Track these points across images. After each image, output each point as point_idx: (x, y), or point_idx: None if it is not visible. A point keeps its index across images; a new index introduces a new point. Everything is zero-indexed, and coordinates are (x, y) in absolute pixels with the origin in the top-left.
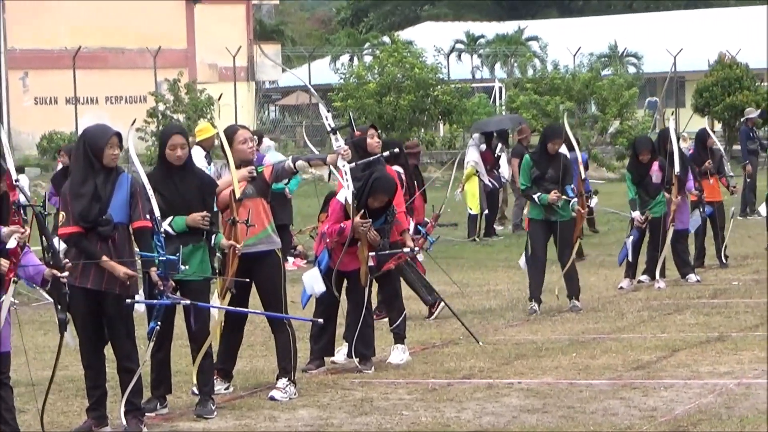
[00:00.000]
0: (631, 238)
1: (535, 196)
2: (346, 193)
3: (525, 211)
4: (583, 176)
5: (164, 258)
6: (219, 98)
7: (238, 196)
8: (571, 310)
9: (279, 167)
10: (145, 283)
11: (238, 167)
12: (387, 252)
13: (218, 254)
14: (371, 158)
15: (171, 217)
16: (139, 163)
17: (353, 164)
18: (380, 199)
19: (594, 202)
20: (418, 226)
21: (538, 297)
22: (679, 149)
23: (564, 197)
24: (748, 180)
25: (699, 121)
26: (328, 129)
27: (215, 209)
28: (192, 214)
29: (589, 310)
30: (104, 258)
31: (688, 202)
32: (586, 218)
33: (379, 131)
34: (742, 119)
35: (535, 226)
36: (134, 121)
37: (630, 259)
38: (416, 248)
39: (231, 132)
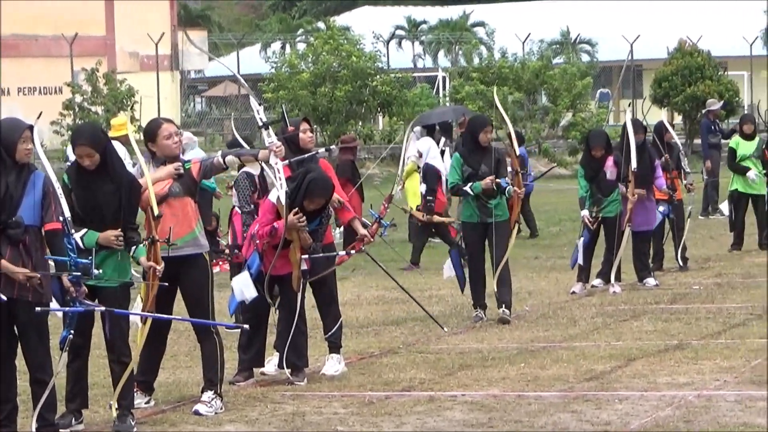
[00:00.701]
0: (582, 239)
1: (467, 187)
2: (278, 192)
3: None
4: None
5: (75, 262)
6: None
7: (156, 212)
8: (499, 322)
9: (207, 163)
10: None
11: (163, 164)
12: (321, 255)
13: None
14: (305, 155)
15: (84, 231)
16: (47, 160)
17: (286, 161)
18: (316, 201)
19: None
20: (371, 211)
21: (483, 303)
22: (647, 142)
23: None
24: (707, 177)
25: (657, 113)
26: (260, 123)
27: (137, 212)
28: (105, 231)
29: (539, 316)
30: (2, 261)
31: (654, 201)
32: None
33: (313, 125)
34: (703, 111)
35: (469, 231)
36: (40, 114)
37: (581, 262)
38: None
39: (155, 126)
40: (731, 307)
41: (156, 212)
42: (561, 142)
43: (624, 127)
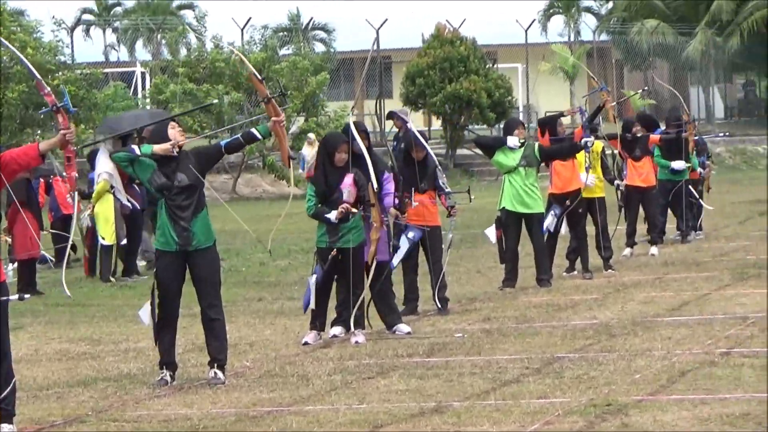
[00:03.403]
0: (315, 276)
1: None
2: None
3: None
4: None
5: None
6: None
7: None
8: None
9: None
10: None
11: None
12: None
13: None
14: None
15: None
16: None
17: None
18: None
19: None
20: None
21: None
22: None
23: None
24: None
25: (413, 118)
26: None
27: None
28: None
29: (263, 374)
30: None
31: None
32: None
33: None
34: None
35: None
36: None
37: (314, 305)
38: None
39: None
40: (502, 359)
41: None
42: (294, 153)
43: (350, 134)
